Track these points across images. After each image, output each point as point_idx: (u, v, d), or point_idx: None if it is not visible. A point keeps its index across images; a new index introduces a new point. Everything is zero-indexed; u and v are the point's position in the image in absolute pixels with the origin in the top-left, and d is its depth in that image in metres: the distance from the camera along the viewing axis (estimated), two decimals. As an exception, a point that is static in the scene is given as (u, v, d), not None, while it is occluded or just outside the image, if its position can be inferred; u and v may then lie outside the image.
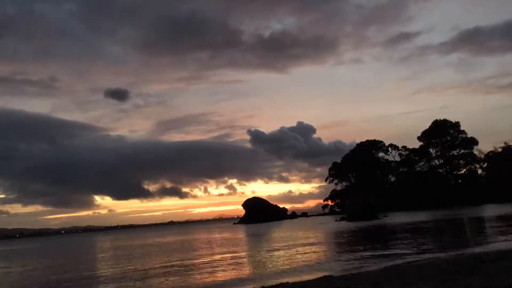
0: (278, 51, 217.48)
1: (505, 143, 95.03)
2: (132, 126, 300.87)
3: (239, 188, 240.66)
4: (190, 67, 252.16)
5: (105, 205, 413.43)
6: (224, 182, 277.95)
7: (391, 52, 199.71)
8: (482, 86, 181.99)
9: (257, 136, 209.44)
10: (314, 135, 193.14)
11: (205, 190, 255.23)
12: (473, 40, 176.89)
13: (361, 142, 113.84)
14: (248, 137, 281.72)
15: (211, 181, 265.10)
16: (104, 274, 22.25)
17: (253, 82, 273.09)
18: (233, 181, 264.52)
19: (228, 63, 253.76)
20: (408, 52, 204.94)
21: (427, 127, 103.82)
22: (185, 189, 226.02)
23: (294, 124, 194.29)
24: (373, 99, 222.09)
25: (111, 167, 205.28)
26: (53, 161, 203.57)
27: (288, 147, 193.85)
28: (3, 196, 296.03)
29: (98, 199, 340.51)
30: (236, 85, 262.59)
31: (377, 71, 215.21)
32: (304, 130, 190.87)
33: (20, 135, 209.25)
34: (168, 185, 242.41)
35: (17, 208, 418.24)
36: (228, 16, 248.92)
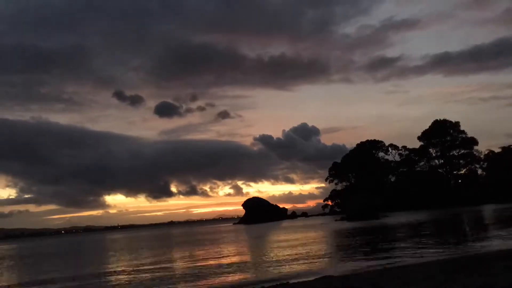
0: (276, 73, 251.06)
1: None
2: (142, 134, 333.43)
3: (245, 189, 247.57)
4: (197, 86, 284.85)
5: (115, 205, 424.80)
6: (230, 183, 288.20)
7: (374, 73, 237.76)
8: (465, 98, 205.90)
9: (261, 140, 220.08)
10: (317, 137, 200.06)
11: (212, 191, 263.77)
12: (444, 63, 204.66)
13: (361, 142, 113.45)
14: (252, 141, 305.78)
15: (218, 182, 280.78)
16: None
17: (254, 97, 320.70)
18: (238, 182, 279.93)
19: (232, 82, 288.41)
20: (389, 73, 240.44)
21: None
22: (191, 189, 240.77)
23: (297, 128, 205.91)
24: (364, 108, 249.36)
25: (127, 169, 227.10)
26: (81, 165, 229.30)
27: (291, 149, 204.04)
28: (13, 197, 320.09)
29: (109, 198, 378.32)
30: (239, 100, 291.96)
31: (364, 87, 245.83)
32: (307, 132, 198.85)
33: (56, 143, 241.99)
34: (176, 185, 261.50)
35: (31, 208, 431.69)
36: (232, 45, 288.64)
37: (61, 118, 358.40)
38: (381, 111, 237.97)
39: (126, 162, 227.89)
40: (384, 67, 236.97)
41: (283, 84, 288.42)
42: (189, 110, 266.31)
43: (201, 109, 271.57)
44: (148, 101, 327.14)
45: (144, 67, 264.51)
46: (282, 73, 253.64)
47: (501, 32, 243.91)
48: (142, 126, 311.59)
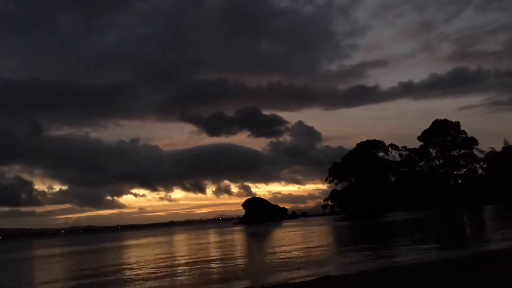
0: (273, 98, 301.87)
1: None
2: (168, 145, 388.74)
3: (246, 190, 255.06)
4: (211, 110, 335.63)
5: (120, 204, 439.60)
6: (235, 184, 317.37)
7: (354, 99, 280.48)
8: (443, 114, 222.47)
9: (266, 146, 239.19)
10: (317, 139, 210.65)
11: (217, 191, 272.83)
12: (411, 89, 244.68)
13: (361, 142, 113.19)
14: (260, 148, 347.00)
15: (225, 182, 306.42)
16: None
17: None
18: (242, 183, 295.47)
19: (235, 104, 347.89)
20: (366, 99, 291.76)
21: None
22: (195, 189, 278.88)
23: (298, 130, 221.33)
24: (355, 117, 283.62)
25: (145, 172, 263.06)
26: (113, 170, 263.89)
27: (292, 151, 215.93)
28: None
29: (120, 199, 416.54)
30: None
31: (348, 109, 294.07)
32: (308, 134, 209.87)
33: (97, 154, 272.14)
34: (186, 185, 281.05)
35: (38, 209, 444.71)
36: (234, 77, 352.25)
37: (98, 135, 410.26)
38: (369, 121, 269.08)
39: (148, 167, 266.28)
40: (363, 94, 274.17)
41: (278, 106, 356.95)
42: (208, 125, 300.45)
43: (216, 125, 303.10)
44: (178, 121, 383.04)
45: (167, 100, 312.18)
46: (278, 98, 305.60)
47: (453, 65, 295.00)
48: (167, 139, 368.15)
